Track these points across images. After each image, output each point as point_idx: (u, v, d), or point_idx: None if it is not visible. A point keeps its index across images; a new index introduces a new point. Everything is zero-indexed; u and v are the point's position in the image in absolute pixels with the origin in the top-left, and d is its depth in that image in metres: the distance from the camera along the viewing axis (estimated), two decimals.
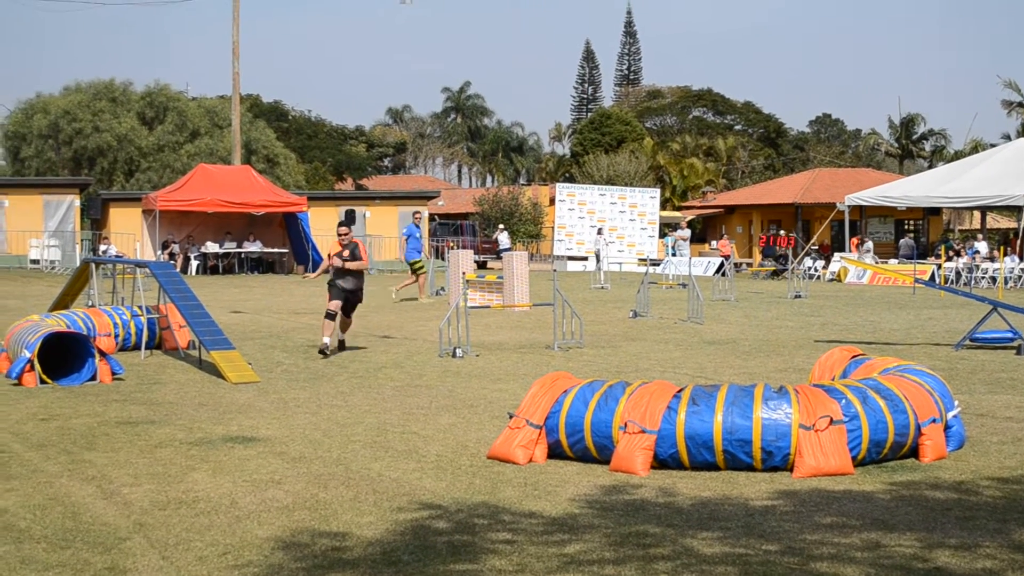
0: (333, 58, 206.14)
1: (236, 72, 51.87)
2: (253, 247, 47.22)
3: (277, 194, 47.90)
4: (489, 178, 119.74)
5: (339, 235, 18.33)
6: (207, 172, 47.88)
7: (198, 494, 8.82)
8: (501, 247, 56.90)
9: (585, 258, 52.34)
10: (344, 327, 18.43)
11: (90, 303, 20.50)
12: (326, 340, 17.72)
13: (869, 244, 47.99)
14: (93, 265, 20.82)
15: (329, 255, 18.29)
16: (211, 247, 46.54)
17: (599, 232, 46.65)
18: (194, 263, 45.63)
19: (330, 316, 17.87)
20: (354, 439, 11.06)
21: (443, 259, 39.44)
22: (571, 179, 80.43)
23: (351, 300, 18.21)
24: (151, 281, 19.57)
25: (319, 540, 7.54)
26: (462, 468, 9.71)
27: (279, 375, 15.83)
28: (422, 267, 29.69)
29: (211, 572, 6.90)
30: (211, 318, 16.93)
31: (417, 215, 31.16)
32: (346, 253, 18.04)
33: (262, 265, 47.73)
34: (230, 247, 46.89)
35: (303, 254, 46.52)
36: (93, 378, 14.88)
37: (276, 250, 47.80)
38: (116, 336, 18.10)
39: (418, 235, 29.84)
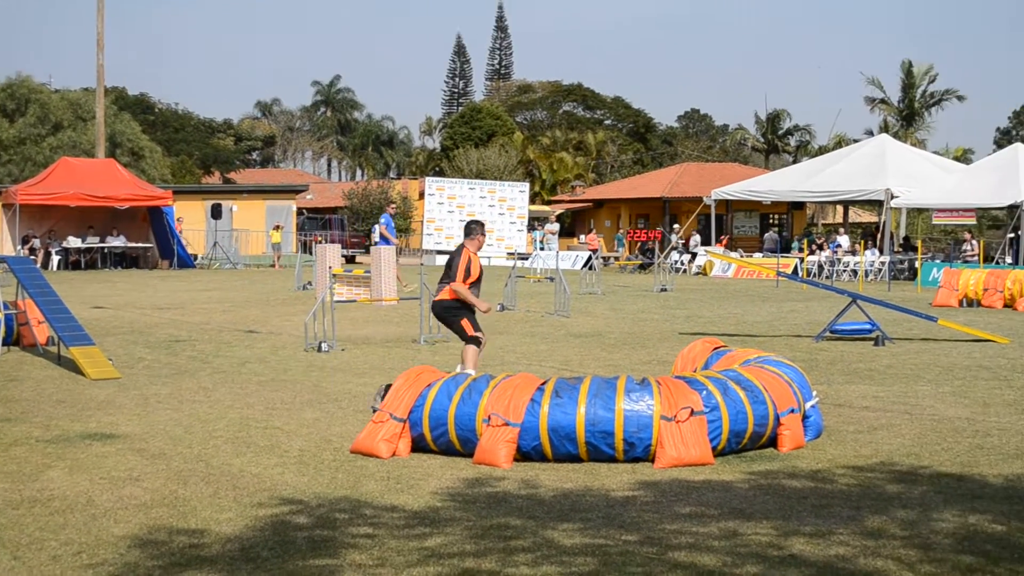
0: (201, 51, 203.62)
1: (100, 64, 50.96)
2: (116, 242, 46.35)
3: (141, 188, 47.10)
4: (359, 172, 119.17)
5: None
6: (69, 165, 46.92)
7: (53, 492, 8.64)
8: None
9: None
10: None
11: None
12: (470, 372, 12.69)
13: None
14: None
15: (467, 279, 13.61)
16: (73, 242, 45.56)
17: None
18: (55, 258, 44.63)
19: (479, 344, 13.75)
20: (216, 435, 10.92)
21: (311, 253, 39.26)
22: (441, 173, 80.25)
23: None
24: (9, 276, 19.15)
25: (176, 537, 7.43)
26: (325, 463, 9.64)
27: (140, 371, 15.56)
28: None
29: (64, 572, 6.77)
30: (71, 314, 16.60)
31: (392, 207, 31.93)
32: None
33: (125, 260, 46.86)
34: (93, 242, 45.95)
35: (168, 249, 45.87)
36: None
37: (140, 245, 46.97)
38: None
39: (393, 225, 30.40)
